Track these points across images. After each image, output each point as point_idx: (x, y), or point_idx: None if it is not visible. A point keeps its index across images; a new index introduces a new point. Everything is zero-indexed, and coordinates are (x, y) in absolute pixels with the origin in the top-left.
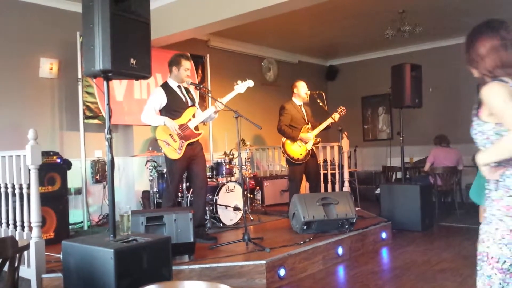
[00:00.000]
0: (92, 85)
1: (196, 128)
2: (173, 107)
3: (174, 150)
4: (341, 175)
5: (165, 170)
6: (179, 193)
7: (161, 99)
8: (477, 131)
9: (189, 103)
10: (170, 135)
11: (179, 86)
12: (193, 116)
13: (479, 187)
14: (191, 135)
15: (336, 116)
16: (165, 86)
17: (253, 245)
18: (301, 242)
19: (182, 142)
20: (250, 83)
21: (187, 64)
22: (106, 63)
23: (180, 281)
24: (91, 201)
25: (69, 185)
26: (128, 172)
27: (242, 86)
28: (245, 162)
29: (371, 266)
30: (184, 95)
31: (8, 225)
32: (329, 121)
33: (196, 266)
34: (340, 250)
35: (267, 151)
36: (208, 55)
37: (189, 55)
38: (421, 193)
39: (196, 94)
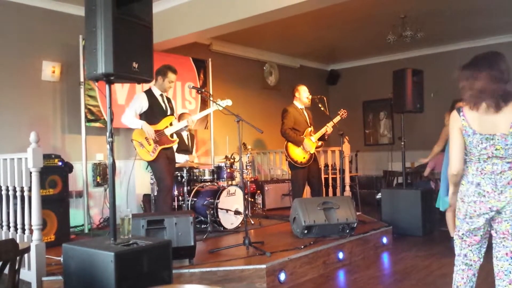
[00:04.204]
0: (94, 89)
1: (172, 135)
2: (153, 113)
3: (147, 152)
4: (342, 179)
5: None
6: (179, 197)
7: (143, 104)
8: None
9: (168, 112)
10: (146, 138)
11: (161, 95)
12: (170, 124)
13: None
14: (166, 141)
15: (336, 118)
16: (149, 93)
17: (253, 249)
18: (302, 247)
19: (156, 146)
20: (228, 102)
21: (172, 77)
22: (108, 66)
23: (181, 284)
24: (92, 204)
25: (70, 188)
26: (129, 175)
27: (220, 105)
28: (246, 166)
29: (371, 271)
30: (165, 104)
31: (9, 227)
32: (330, 124)
33: (197, 270)
34: (340, 255)
35: (268, 155)
36: (210, 59)
37: (175, 69)
38: (422, 198)
39: (197, 99)
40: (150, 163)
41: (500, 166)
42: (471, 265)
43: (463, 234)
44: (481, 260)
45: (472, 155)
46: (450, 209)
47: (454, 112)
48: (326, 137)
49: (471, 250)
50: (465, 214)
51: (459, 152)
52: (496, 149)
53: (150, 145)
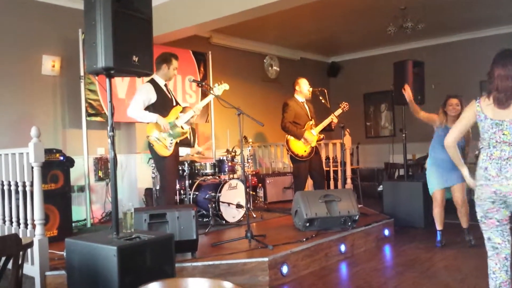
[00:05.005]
0: (94, 83)
1: (183, 127)
2: (162, 105)
3: (165, 147)
4: (344, 172)
5: None
6: (181, 191)
7: (151, 96)
8: None
9: (174, 102)
10: (160, 132)
11: (165, 85)
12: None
13: None
14: (180, 134)
15: (338, 111)
16: (154, 83)
17: (255, 242)
18: (304, 239)
19: (172, 140)
20: (225, 86)
21: (176, 64)
22: (108, 60)
23: (183, 278)
24: (94, 198)
25: (72, 182)
26: (131, 169)
27: (218, 89)
28: (248, 159)
29: (373, 263)
30: (170, 94)
31: (11, 222)
32: (330, 118)
33: (199, 263)
34: (342, 247)
35: (269, 148)
36: (210, 52)
37: (177, 55)
38: (424, 190)
39: (198, 92)
40: (162, 158)
41: (507, 152)
42: (497, 248)
43: (481, 217)
44: (506, 243)
45: (483, 141)
46: (436, 205)
47: (472, 101)
48: (333, 127)
49: (492, 232)
50: (477, 197)
51: (460, 128)
52: (503, 134)
53: (165, 139)
